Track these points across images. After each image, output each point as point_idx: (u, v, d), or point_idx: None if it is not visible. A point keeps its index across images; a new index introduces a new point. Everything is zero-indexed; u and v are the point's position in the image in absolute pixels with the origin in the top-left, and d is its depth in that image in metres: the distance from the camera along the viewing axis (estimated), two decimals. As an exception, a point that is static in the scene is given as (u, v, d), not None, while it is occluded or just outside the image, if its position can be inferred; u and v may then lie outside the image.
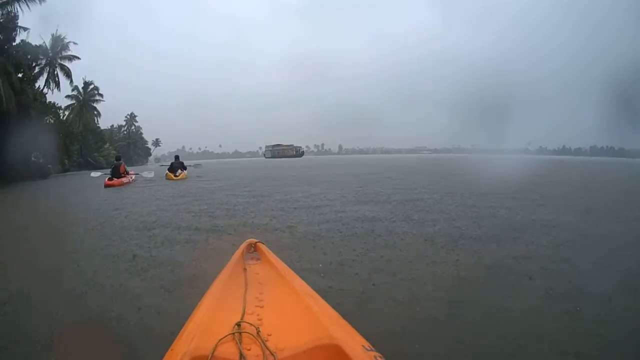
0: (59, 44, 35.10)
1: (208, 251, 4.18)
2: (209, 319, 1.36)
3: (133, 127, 77.13)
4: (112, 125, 72.25)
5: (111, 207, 8.36)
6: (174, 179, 15.83)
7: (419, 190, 9.87)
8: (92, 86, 48.73)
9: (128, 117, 76.14)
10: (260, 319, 1.39)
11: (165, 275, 3.44)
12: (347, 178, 15.40)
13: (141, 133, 79.23)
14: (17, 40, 27.22)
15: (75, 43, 36.94)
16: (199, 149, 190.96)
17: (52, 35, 35.20)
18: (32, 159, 30.30)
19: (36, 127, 27.90)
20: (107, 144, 55.91)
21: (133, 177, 16.55)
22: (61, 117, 38.40)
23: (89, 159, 45.65)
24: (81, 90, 47.43)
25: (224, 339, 1.21)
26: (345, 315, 1.45)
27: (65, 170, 39.15)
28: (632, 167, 28.43)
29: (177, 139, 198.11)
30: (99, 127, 52.64)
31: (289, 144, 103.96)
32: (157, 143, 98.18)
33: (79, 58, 36.76)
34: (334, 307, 1.50)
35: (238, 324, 1.29)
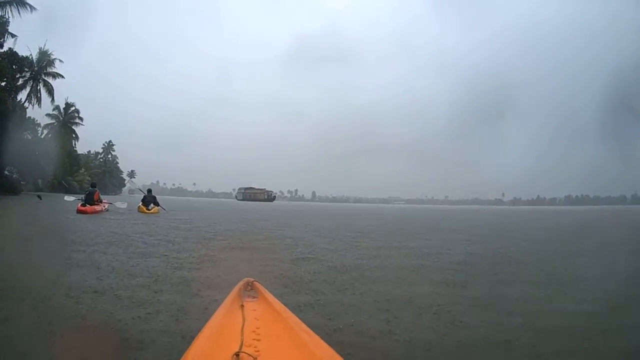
0: (45, 59, 33.62)
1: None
2: (209, 349, 1.43)
3: (110, 156, 75.24)
4: (89, 151, 70.21)
5: (83, 236, 7.70)
6: (146, 213, 15.55)
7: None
8: (73, 108, 47.02)
9: (106, 144, 74.49)
10: (258, 351, 1.42)
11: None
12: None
13: (117, 162, 77.29)
14: (5, 48, 26.06)
15: (61, 61, 35.68)
16: (173, 184, 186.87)
17: (40, 48, 33.85)
18: (5, 172, 28.03)
19: (12, 139, 26.02)
20: (83, 169, 53.43)
21: (106, 206, 16.14)
22: (39, 135, 36.09)
23: (63, 182, 43.04)
24: (62, 110, 45.54)
25: None
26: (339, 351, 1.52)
27: (38, 189, 36.70)
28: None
29: (152, 170, 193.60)
30: (75, 151, 50.31)
31: (261, 187, 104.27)
32: (132, 174, 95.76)
33: (62, 77, 35.42)
34: (327, 343, 1.57)
35: (237, 354, 1.33)
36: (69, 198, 18.42)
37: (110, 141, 75.17)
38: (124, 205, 17.62)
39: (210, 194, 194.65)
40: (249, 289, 2.22)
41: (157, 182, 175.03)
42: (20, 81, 31.08)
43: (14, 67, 28.04)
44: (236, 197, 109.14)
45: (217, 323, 1.72)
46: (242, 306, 1.91)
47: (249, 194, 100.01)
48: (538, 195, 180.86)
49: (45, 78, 33.65)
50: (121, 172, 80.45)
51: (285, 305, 2.00)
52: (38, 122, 33.46)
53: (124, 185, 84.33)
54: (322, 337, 1.63)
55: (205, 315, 2.50)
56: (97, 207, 14.68)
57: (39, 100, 33.17)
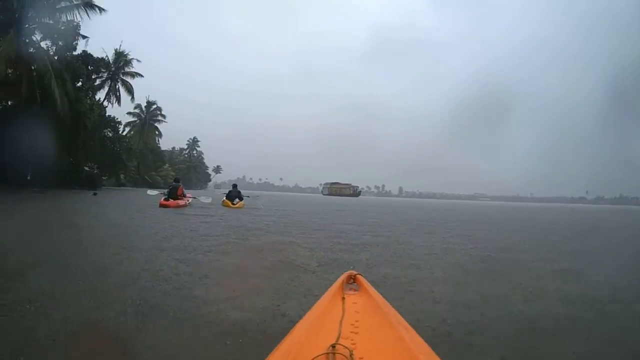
0: (121, 60, 36.02)
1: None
2: (306, 339, 1.44)
3: (195, 152, 79.54)
4: (174, 148, 74.76)
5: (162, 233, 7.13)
6: (231, 207, 15.50)
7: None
8: (154, 106, 50.56)
9: (190, 141, 78.83)
10: (354, 344, 1.39)
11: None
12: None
13: (202, 158, 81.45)
14: (79, 50, 28.08)
15: (138, 60, 38.16)
16: (260, 179, 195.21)
17: (115, 50, 36.40)
18: (85, 168, 30.51)
19: (91, 137, 28.13)
20: (167, 165, 57.16)
21: (190, 200, 16.32)
22: (120, 132, 38.92)
23: (146, 177, 46.28)
24: (144, 108, 49.05)
25: (318, 357, 1.26)
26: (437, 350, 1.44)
27: (119, 184, 39.81)
28: None
29: (237, 169, 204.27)
30: (159, 147, 53.89)
31: (346, 183, 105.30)
32: (217, 170, 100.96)
33: (141, 75, 37.73)
34: (426, 341, 1.52)
35: (333, 346, 1.33)
36: (152, 192, 18.83)
37: (194, 137, 79.64)
38: (209, 200, 17.89)
39: (297, 188, 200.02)
40: (352, 282, 2.20)
41: (244, 177, 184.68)
42: (98, 81, 33.62)
43: (89, 68, 30.22)
44: (322, 192, 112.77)
45: (316, 314, 1.73)
46: (343, 299, 1.92)
47: (334, 189, 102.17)
48: (621, 194, 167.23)
49: (124, 78, 36.15)
50: (206, 167, 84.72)
51: (387, 299, 1.95)
52: (119, 120, 35.60)
53: (210, 180, 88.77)
54: (422, 335, 1.57)
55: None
56: (180, 202, 14.78)
57: (118, 99, 35.81)
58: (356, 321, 1.61)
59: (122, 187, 38.29)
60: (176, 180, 16.10)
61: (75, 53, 27.07)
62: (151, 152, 49.49)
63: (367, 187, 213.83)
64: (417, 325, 2.14)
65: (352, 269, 2.37)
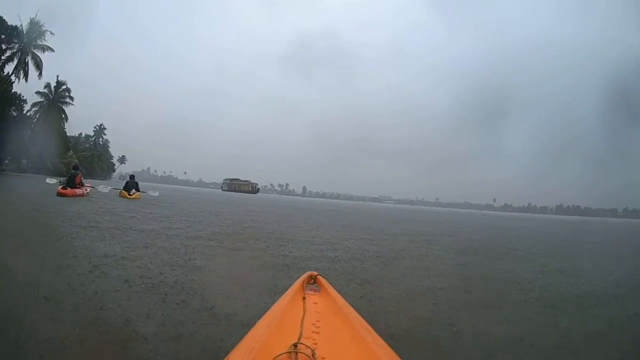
0: (35, 30, 31.57)
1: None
2: (267, 337, 1.46)
3: (101, 140, 72.95)
4: (80, 134, 67.92)
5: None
6: (127, 198, 15.90)
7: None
8: (64, 87, 45.07)
9: (97, 127, 72.22)
10: (316, 343, 1.43)
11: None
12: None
13: (108, 147, 75.05)
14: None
15: (52, 33, 33.57)
16: (164, 172, 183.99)
17: (31, 19, 31.79)
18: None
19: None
20: (71, 152, 51.47)
21: (88, 190, 15.98)
22: (25, 113, 34.17)
23: (49, 164, 41.16)
24: (52, 89, 43.57)
25: (281, 356, 1.28)
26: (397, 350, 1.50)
27: (21, 170, 35.10)
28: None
29: (143, 158, 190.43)
30: (65, 132, 48.32)
31: (245, 180, 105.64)
32: (122, 160, 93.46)
33: (52, 50, 33.51)
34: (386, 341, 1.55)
35: (295, 345, 1.34)
36: (50, 180, 17.80)
37: (102, 124, 73.15)
38: (107, 190, 17.64)
39: (201, 183, 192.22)
40: (312, 282, 2.24)
41: (148, 169, 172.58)
42: (8, 53, 29.27)
43: (2, 36, 26.28)
44: (222, 187, 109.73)
45: (278, 312, 1.75)
46: (304, 298, 1.93)
47: (234, 185, 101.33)
48: (529, 203, 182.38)
49: (34, 51, 31.74)
50: (112, 156, 78.30)
51: (348, 300, 1.98)
52: (24, 97, 31.15)
53: (114, 171, 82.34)
54: (381, 336, 1.60)
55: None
56: (78, 191, 14.49)
57: (26, 75, 31.45)
58: (317, 321, 1.68)
59: (24, 174, 33.74)
60: (75, 168, 15.75)
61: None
62: (57, 136, 44.17)
63: (271, 184, 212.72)
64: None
65: (313, 270, 2.41)
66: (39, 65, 32.36)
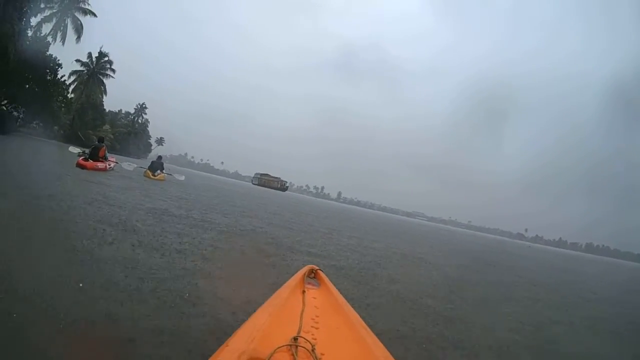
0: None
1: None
2: (267, 327, 1.45)
3: (140, 119, 72.53)
4: (120, 110, 67.84)
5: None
6: (151, 178, 15.56)
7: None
8: (106, 58, 43.94)
9: (138, 106, 71.59)
10: (315, 339, 1.43)
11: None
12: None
13: (147, 126, 74.65)
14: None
15: None
16: (201, 160, 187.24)
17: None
18: (2, 107, 24.73)
19: (16, 70, 22.62)
20: (107, 125, 50.71)
21: (112, 165, 15.29)
22: (63, 79, 32.67)
23: (80, 134, 40.04)
24: (94, 59, 42.58)
25: (281, 348, 1.29)
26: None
27: (49, 137, 33.86)
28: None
29: (182, 143, 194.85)
30: (102, 105, 47.40)
31: (276, 176, 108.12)
32: (160, 142, 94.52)
33: (94, 14, 31.82)
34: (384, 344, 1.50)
35: (295, 338, 1.35)
36: (74, 150, 16.87)
37: (143, 103, 72.52)
38: (131, 168, 17.31)
39: (237, 175, 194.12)
40: (312, 276, 2.24)
41: (186, 154, 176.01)
42: (47, 12, 27.78)
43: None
44: (252, 181, 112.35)
45: (277, 303, 1.74)
46: (304, 292, 1.95)
47: (264, 180, 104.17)
48: (560, 238, 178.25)
49: (76, 14, 30.25)
50: (149, 136, 78.15)
51: (347, 298, 1.96)
52: (59, 62, 29.41)
53: (150, 151, 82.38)
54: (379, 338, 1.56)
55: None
56: (100, 164, 13.77)
57: (63, 38, 29.81)
58: (317, 316, 1.67)
59: (53, 141, 32.43)
60: (100, 140, 15.19)
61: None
62: (92, 108, 43.27)
63: (306, 185, 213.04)
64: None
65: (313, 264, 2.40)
66: (78, 30, 30.82)
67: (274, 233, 7.93)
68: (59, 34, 29.52)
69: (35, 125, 31.17)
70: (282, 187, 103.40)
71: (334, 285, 2.11)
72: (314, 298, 1.92)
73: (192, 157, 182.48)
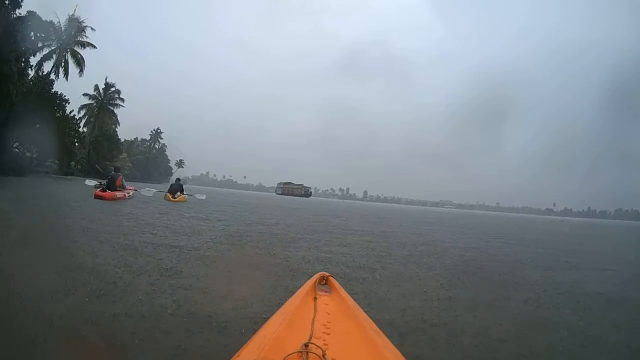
0: (74, 25, 30.07)
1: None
2: (279, 335, 1.45)
3: (157, 144, 73.51)
4: (136, 138, 68.86)
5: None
6: (171, 201, 15.53)
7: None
8: (113, 89, 44.34)
9: (153, 132, 72.77)
10: (326, 344, 1.42)
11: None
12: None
13: (165, 150, 75.61)
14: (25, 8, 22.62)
15: (92, 29, 32.23)
16: (223, 177, 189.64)
17: (69, 15, 30.48)
18: (15, 150, 24.96)
19: (23, 111, 22.66)
20: (124, 154, 51.25)
21: (131, 192, 15.41)
22: (73, 115, 32.80)
23: (97, 166, 40.41)
24: (101, 90, 42.96)
25: (292, 354, 1.27)
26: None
27: (67, 173, 34.20)
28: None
29: (202, 163, 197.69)
30: (116, 134, 47.85)
31: (299, 183, 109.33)
32: (180, 164, 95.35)
33: (94, 46, 31.94)
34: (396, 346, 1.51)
35: (306, 345, 1.35)
36: (90, 182, 17.11)
37: (158, 128, 73.96)
38: (150, 193, 17.50)
39: (261, 187, 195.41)
40: (324, 283, 2.23)
41: (207, 173, 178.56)
42: (45, 50, 27.88)
43: (36, 33, 24.76)
44: (275, 191, 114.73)
45: (289, 311, 1.74)
46: (316, 299, 1.93)
47: (287, 189, 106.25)
48: (589, 207, 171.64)
49: (75, 49, 30.31)
50: (168, 160, 79.08)
51: (359, 303, 1.96)
52: (66, 97, 29.45)
53: (171, 174, 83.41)
54: (392, 341, 1.56)
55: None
56: (118, 194, 13.83)
57: (66, 73, 29.87)
58: (328, 322, 1.65)
59: (71, 177, 32.69)
60: (116, 170, 15.05)
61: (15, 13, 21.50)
62: (107, 139, 43.65)
63: (331, 189, 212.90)
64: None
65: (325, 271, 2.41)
66: (79, 63, 30.84)
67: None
68: (61, 70, 29.65)
69: (50, 164, 31.33)
70: (306, 193, 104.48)
71: (346, 291, 2.11)
72: (326, 304, 1.92)
73: (214, 175, 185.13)
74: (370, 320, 1.73)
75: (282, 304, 1.94)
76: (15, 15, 21.74)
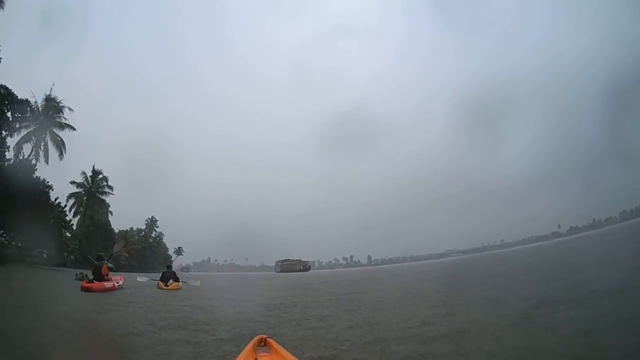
0: (51, 105, 29.03)
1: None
2: None
3: (153, 233, 71.43)
4: (131, 227, 67.07)
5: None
6: (164, 289, 15.20)
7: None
8: (100, 176, 42.96)
9: (148, 220, 70.82)
10: None
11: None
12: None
13: (161, 239, 73.43)
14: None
15: (71, 109, 31.09)
16: (225, 261, 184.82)
17: (46, 95, 29.46)
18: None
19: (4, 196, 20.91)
20: (122, 241, 49.01)
21: (120, 282, 14.70)
22: (53, 201, 30.77)
23: (89, 257, 37.72)
24: (89, 178, 41.57)
25: None
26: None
27: (60, 264, 31.77)
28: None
29: (201, 248, 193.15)
30: (109, 223, 45.74)
31: (297, 258, 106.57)
32: (179, 251, 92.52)
33: (73, 128, 30.74)
34: None
35: None
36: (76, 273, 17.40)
37: (153, 217, 72.03)
38: (144, 280, 17.44)
39: (263, 267, 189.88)
40: (262, 345, 2.34)
41: (208, 258, 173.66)
42: (23, 132, 26.65)
43: (14, 114, 23.58)
44: (275, 269, 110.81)
45: None
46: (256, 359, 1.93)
47: (285, 266, 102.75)
48: (593, 219, 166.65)
49: (55, 131, 29.13)
50: (167, 248, 76.60)
51: (300, 359, 1.81)
52: (49, 183, 27.72)
53: (171, 262, 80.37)
54: None
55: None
56: (107, 284, 13.11)
57: (46, 156, 28.46)
58: None
59: (64, 268, 30.12)
60: (98, 258, 14.35)
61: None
62: (99, 228, 41.56)
63: (335, 259, 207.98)
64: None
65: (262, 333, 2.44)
66: (59, 146, 29.50)
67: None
68: (40, 153, 28.22)
69: (37, 253, 28.96)
70: (305, 267, 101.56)
71: (287, 349, 2.16)
72: None
73: (216, 260, 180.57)
74: None
75: None
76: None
